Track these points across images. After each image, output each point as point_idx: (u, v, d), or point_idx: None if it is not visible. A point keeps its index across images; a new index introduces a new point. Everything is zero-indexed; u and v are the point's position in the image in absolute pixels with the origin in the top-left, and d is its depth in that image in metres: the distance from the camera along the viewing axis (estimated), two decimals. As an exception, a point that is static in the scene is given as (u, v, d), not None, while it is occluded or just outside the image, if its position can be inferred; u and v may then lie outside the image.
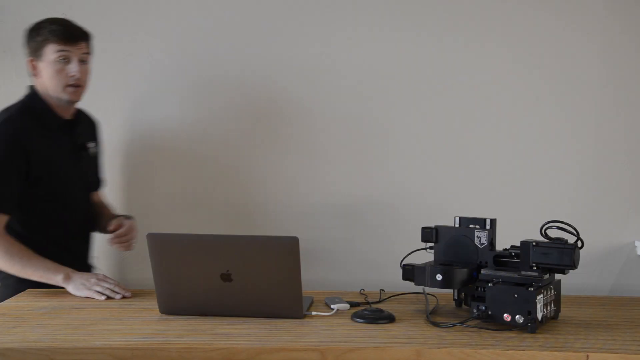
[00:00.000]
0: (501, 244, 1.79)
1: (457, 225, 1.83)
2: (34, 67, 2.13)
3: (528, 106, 2.67)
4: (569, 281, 1.83)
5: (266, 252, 1.69)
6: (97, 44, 2.64)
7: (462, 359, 1.46)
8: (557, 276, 1.71)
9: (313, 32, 2.56)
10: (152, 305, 1.81)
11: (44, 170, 2.07)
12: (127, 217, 2.22)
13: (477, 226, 1.79)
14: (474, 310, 1.65)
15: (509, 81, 2.67)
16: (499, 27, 2.66)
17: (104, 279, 1.97)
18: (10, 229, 2.02)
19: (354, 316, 1.72)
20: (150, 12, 2.64)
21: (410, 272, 1.76)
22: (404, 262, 1.79)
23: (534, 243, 1.66)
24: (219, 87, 2.66)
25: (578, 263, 1.63)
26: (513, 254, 1.73)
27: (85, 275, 1.98)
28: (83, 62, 2.11)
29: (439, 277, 1.70)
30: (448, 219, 1.87)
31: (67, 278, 1.95)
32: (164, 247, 1.71)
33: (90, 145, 2.29)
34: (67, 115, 2.19)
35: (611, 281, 2.68)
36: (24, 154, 2.02)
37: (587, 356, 1.45)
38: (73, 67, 2.08)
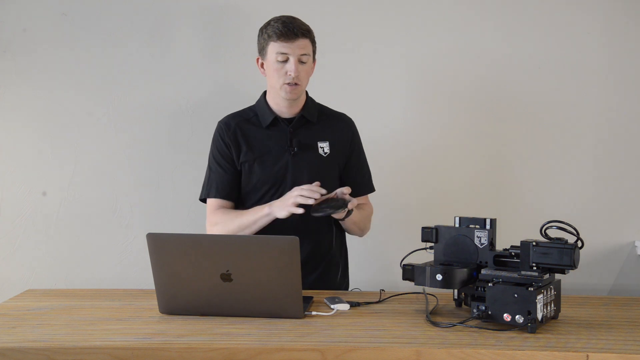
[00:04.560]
0: (501, 244, 1.79)
1: (457, 225, 1.83)
2: (262, 66, 2.14)
3: (528, 106, 2.67)
4: (569, 281, 1.83)
5: (266, 252, 1.69)
6: (98, 43, 2.64)
7: (462, 359, 1.46)
8: (557, 276, 1.71)
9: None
10: (152, 305, 1.81)
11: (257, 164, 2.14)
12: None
13: (477, 226, 1.79)
14: (474, 310, 1.65)
15: (509, 81, 2.67)
16: (498, 27, 2.66)
17: (294, 190, 1.98)
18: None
19: (312, 211, 1.89)
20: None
21: (410, 272, 1.75)
22: (404, 262, 1.79)
23: (534, 243, 1.66)
24: (220, 92, 2.66)
25: (578, 263, 1.63)
26: (513, 254, 1.73)
27: (283, 197, 2.02)
28: (301, 62, 2.06)
29: (439, 277, 1.70)
30: (448, 219, 1.87)
31: (270, 206, 2.02)
32: (164, 247, 1.71)
33: (322, 144, 2.17)
34: (290, 113, 2.16)
35: (611, 281, 2.68)
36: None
37: (587, 356, 1.45)
38: (290, 66, 2.05)
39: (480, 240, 1.78)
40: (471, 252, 1.79)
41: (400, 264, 1.79)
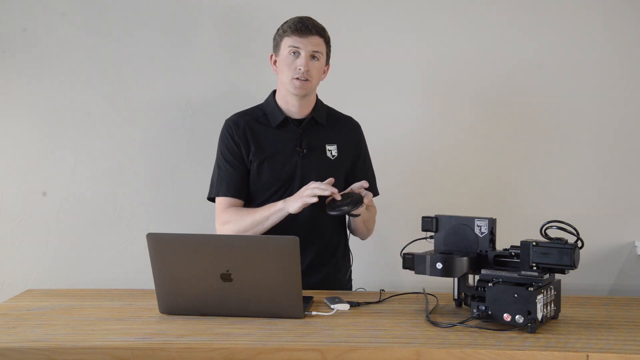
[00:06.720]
0: (501, 244, 1.79)
1: (457, 225, 1.83)
2: (274, 63, 2.14)
3: (528, 107, 2.67)
4: (569, 281, 1.83)
5: (266, 252, 1.69)
6: (98, 43, 2.65)
7: (462, 359, 1.46)
8: (557, 276, 1.71)
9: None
10: (152, 305, 1.81)
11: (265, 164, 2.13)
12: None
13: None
14: (474, 310, 1.65)
15: (509, 81, 2.67)
16: (501, 30, 2.66)
17: (311, 184, 1.97)
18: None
19: (329, 210, 1.90)
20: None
21: (410, 260, 1.75)
22: (404, 252, 1.78)
23: (534, 243, 1.66)
24: (220, 92, 2.66)
25: (578, 263, 1.63)
26: (513, 254, 1.73)
27: (298, 192, 2.01)
28: (313, 57, 2.07)
29: (439, 265, 1.69)
30: (449, 220, 1.87)
31: (285, 202, 2.00)
32: (164, 247, 1.71)
33: (330, 147, 2.17)
34: (300, 113, 2.15)
35: (611, 281, 2.68)
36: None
37: (587, 356, 1.45)
38: (301, 61, 2.05)
39: (480, 229, 1.77)
40: (471, 241, 1.78)
41: (401, 253, 1.78)
